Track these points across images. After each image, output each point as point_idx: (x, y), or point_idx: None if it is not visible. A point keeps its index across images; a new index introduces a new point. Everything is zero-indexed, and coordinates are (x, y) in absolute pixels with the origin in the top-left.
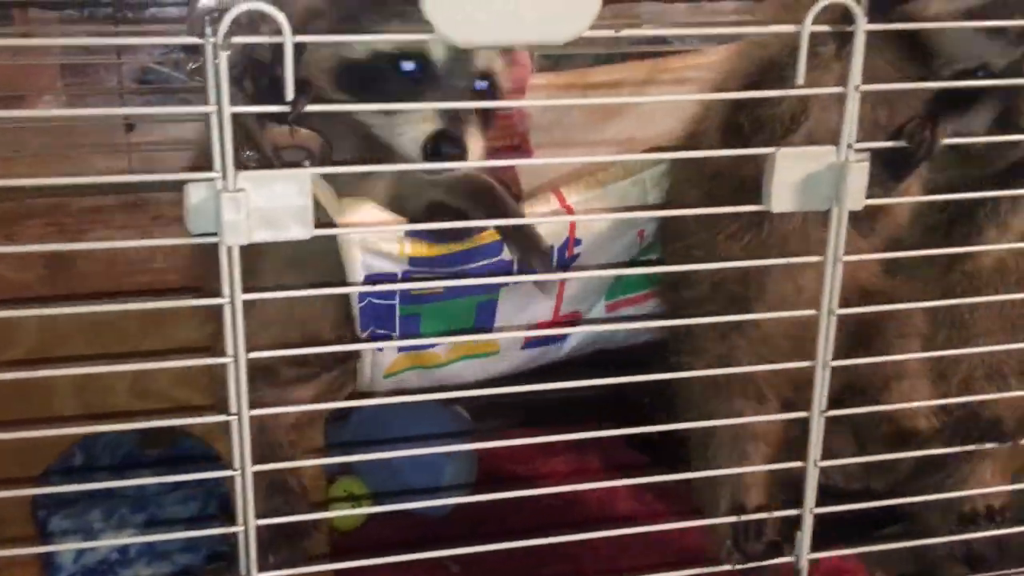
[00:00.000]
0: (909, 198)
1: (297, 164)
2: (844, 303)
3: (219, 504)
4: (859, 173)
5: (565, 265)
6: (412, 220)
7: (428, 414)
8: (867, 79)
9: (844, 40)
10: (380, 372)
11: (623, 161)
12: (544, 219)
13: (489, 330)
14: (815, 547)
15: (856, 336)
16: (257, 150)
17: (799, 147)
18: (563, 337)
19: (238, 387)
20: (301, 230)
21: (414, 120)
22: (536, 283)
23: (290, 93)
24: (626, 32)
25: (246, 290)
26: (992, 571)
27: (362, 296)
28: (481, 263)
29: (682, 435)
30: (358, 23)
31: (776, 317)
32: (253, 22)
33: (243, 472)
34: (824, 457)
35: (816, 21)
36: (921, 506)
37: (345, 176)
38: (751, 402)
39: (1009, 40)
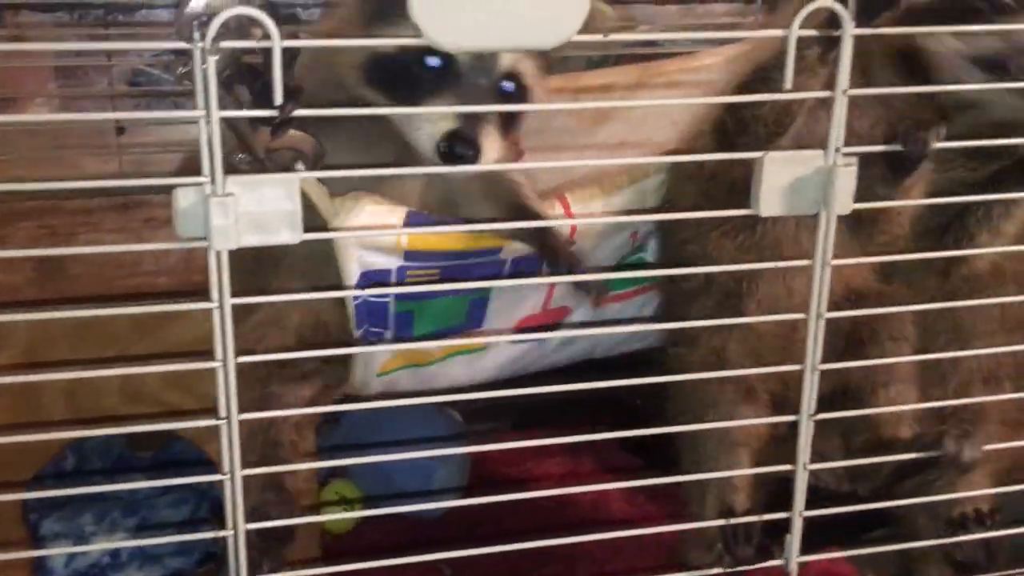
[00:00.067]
0: (900, 202)
1: (290, 168)
2: (840, 307)
3: (211, 507)
4: (847, 177)
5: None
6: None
7: (420, 417)
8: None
9: (832, 44)
10: (373, 371)
11: (627, 168)
12: (544, 222)
13: (480, 327)
14: (805, 550)
15: (850, 340)
16: (250, 153)
17: (787, 151)
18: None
19: (227, 391)
20: (290, 234)
21: (432, 117)
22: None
23: (279, 97)
24: (615, 36)
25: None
26: (980, 575)
27: None
28: (475, 261)
29: (673, 434)
30: (386, 17)
31: (764, 321)
32: (242, 26)
33: (233, 476)
34: (814, 459)
35: (805, 26)
36: (909, 509)
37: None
38: (741, 394)
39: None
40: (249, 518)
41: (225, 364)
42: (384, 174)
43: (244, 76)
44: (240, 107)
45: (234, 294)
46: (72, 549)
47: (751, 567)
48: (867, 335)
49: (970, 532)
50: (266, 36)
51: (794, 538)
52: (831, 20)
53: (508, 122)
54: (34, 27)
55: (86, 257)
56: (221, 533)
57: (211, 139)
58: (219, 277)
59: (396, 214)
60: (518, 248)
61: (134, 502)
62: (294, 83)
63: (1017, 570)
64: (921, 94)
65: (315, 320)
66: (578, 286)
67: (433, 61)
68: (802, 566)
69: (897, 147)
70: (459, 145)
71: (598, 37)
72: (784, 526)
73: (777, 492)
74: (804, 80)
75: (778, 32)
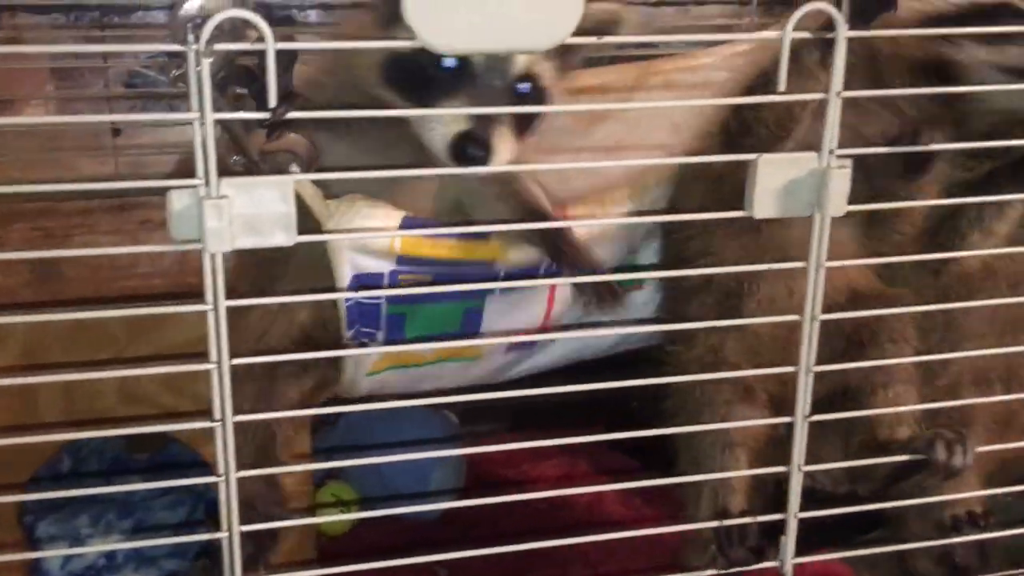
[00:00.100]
0: (899, 203)
1: (285, 170)
2: (844, 308)
3: (207, 509)
4: (841, 179)
5: (556, 275)
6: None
7: (416, 418)
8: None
9: (828, 46)
10: (363, 370)
11: (628, 183)
12: (543, 222)
13: (475, 336)
14: (801, 551)
15: (851, 342)
16: (245, 155)
17: (782, 153)
18: (545, 345)
19: (222, 393)
20: (284, 236)
21: (445, 118)
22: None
23: (273, 100)
24: (609, 38)
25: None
26: None
27: None
28: (468, 270)
29: (670, 435)
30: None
31: (761, 323)
32: (236, 29)
33: (227, 478)
34: (812, 461)
35: (799, 28)
36: (903, 511)
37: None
38: (739, 394)
39: None
40: (241, 515)
41: (220, 366)
42: (383, 175)
43: (240, 78)
44: (235, 109)
45: (236, 294)
46: (68, 551)
47: (745, 568)
48: (867, 336)
49: (964, 534)
50: (260, 38)
51: (789, 540)
52: (831, 24)
53: (522, 124)
54: (30, 29)
55: (82, 259)
56: (216, 535)
57: (205, 141)
58: (213, 279)
59: (391, 218)
60: (513, 262)
61: (130, 504)
62: (293, 86)
63: (1011, 572)
64: (940, 102)
65: (319, 317)
66: (586, 300)
67: (449, 62)
68: (797, 568)
69: (887, 149)
70: (471, 146)
71: (592, 39)
72: (781, 527)
73: (777, 494)
74: (804, 84)
75: (773, 34)
